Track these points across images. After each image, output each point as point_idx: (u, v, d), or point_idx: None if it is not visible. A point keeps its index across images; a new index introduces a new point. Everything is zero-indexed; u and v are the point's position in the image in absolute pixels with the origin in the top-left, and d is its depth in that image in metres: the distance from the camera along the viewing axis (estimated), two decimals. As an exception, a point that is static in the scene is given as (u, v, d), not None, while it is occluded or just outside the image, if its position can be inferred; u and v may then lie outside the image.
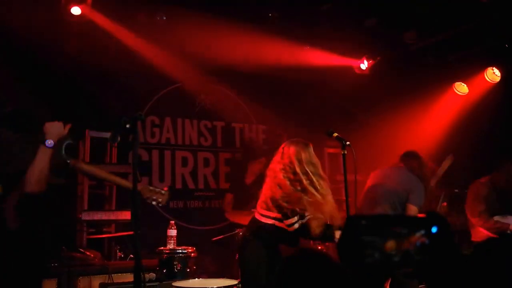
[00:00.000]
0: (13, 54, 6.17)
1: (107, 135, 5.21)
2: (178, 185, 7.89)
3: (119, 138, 3.71)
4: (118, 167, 6.45)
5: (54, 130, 3.68)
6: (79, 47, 6.60)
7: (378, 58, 8.12)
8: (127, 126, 3.05)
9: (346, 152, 4.42)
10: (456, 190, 7.34)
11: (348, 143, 4.40)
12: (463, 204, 6.22)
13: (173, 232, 5.17)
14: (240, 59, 7.75)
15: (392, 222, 1.64)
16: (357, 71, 8.36)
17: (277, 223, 4.23)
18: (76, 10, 6.10)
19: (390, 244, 1.54)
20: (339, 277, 2.12)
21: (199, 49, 7.44)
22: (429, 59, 8.05)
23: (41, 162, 3.58)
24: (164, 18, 6.58)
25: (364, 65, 8.26)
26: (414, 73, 8.20)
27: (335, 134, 4.49)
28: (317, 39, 7.72)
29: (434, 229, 1.60)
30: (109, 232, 6.37)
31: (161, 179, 7.80)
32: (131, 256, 5.67)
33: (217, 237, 6.38)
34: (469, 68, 8.29)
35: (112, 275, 5.10)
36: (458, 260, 1.74)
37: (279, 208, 4.14)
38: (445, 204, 7.23)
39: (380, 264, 1.55)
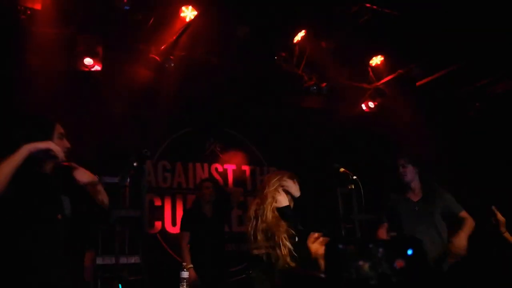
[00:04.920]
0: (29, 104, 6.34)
1: (118, 179, 5.28)
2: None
3: (128, 179, 3.80)
4: (131, 212, 6.51)
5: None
6: (91, 94, 6.72)
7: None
8: (135, 164, 3.13)
9: (354, 187, 4.46)
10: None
11: (354, 177, 4.44)
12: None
13: (185, 274, 5.17)
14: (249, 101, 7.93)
15: (369, 245, 1.69)
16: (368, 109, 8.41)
17: None
18: (88, 61, 6.25)
19: (366, 267, 1.58)
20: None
21: (207, 93, 7.60)
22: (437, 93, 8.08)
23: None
24: (172, 64, 6.69)
25: (371, 103, 8.31)
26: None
27: (342, 169, 4.53)
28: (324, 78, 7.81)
29: (409, 252, 1.65)
30: (123, 277, 6.37)
31: (174, 223, 7.85)
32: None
33: (232, 279, 6.40)
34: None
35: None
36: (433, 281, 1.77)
37: None
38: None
39: (358, 286, 1.59)
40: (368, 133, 8.58)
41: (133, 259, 6.23)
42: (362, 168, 5.09)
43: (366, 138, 8.65)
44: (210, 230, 6.52)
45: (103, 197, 3.78)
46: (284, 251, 4.17)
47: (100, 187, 3.80)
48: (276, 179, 4.39)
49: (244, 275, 6.05)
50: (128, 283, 6.27)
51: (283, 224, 4.24)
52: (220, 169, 8.60)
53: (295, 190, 4.37)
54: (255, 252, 4.27)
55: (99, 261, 5.93)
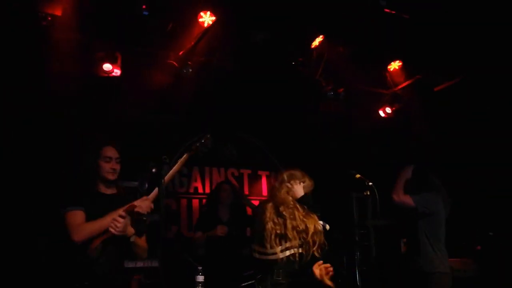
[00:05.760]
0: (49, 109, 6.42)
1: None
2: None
3: (147, 185, 3.85)
4: (149, 216, 6.55)
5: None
6: (110, 99, 6.78)
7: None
8: (153, 170, 3.17)
9: (369, 193, 4.46)
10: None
11: (370, 183, 4.44)
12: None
13: (200, 278, 5.19)
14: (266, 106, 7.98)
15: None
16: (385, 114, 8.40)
17: None
18: (107, 66, 6.30)
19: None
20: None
21: (224, 98, 7.66)
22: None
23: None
24: (190, 70, 6.71)
25: (389, 109, 8.29)
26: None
27: (358, 175, 4.54)
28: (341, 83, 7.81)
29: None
30: (139, 280, 6.42)
31: (190, 228, 7.88)
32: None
33: (246, 283, 6.38)
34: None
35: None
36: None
37: None
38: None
39: None
40: (385, 138, 8.55)
41: (151, 263, 6.30)
42: (377, 174, 5.08)
43: (383, 144, 8.63)
44: (227, 234, 6.53)
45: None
46: (315, 244, 4.20)
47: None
48: (284, 178, 4.45)
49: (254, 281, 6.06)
50: (145, 286, 6.33)
51: (313, 216, 4.28)
52: (236, 173, 8.62)
53: (298, 193, 4.41)
54: (287, 253, 4.28)
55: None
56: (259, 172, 8.86)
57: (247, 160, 8.66)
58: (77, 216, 3.92)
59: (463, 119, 7.78)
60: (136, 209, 3.70)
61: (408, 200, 5.61)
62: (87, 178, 4.15)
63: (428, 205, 5.76)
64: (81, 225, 3.87)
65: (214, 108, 7.87)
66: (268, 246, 4.25)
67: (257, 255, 4.36)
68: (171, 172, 3.93)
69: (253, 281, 5.53)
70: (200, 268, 5.02)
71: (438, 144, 7.71)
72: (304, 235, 4.19)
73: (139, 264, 6.26)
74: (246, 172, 8.71)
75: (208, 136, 4.14)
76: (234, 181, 8.46)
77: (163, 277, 3.58)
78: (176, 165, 3.98)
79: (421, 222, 5.76)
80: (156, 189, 3.95)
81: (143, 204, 3.78)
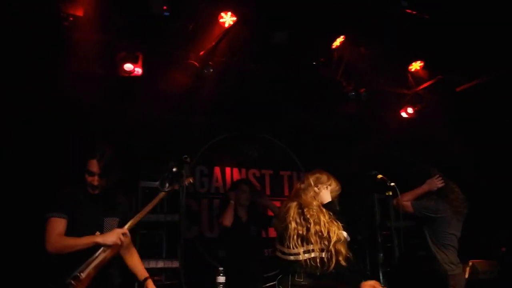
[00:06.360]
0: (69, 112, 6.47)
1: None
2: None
3: (167, 184, 3.86)
4: (169, 216, 6.61)
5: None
6: (131, 100, 6.80)
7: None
8: (174, 169, 3.18)
9: (391, 194, 4.42)
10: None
11: (392, 184, 4.40)
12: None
13: (221, 278, 5.18)
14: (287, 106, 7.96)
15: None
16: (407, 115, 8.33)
17: None
18: (128, 67, 6.32)
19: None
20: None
21: (245, 98, 7.68)
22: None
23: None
24: (211, 70, 6.71)
25: (411, 109, 8.22)
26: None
27: (379, 176, 4.50)
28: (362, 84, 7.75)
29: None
30: (159, 281, 6.43)
31: (211, 228, 7.88)
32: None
33: (267, 284, 6.36)
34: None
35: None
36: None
37: None
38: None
39: None
40: (407, 139, 8.48)
41: (171, 264, 6.32)
42: (399, 175, 5.03)
43: (405, 144, 8.56)
44: (246, 234, 6.53)
45: None
46: (340, 253, 4.15)
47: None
48: (311, 182, 4.41)
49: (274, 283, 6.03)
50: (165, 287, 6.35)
51: (337, 224, 4.23)
52: (258, 174, 8.61)
53: (325, 199, 4.38)
54: (308, 256, 4.24)
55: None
56: (281, 173, 8.84)
57: (269, 161, 8.65)
58: (57, 224, 3.96)
59: (486, 120, 7.71)
60: (99, 243, 3.88)
61: (406, 204, 5.68)
62: (75, 187, 4.14)
63: (428, 211, 5.93)
64: (58, 237, 3.91)
65: (235, 109, 7.88)
66: (291, 245, 4.21)
67: (280, 254, 4.33)
68: (144, 210, 4.12)
69: (274, 282, 5.52)
70: (221, 268, 5.02)
71: (460, 145, 7.64)
72: (326, 242, 4.15)
73: (160, 264, 6.28)
74: (267, 172, 8.69)
75: (191, 180, 4.13)
76: (255, 182, 8.43)
77: (184, 278, 3.59)
78: (150, 204, 4.11)
79: (425, 226, 6.00)
80: (133, 220, 4.13)
81: (107, 238, 3.92)
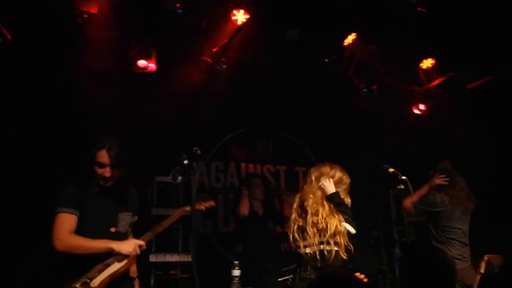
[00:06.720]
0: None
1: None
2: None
3: (180, 178, 3.91)
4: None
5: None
6: (145, 95, 6.87)
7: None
8: (185, 162, 3.21)
9: (403, 187, 4.43)
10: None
11: (404, 177, 4.41)
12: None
13: (236, 272, 5.21)
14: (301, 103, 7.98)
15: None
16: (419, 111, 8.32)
17: None
18: (142, 63, 6.38)
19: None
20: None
21: (258, 94, 7.71)
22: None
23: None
24: (224, 67, 6.76)
25: (422, 106, 8.21)
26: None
27: (391, 170, 4.51)
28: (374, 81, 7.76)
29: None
30: (175, 275, 6.50)
31: (226, 223, 7.94)
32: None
33: (283, 278, 6.39)
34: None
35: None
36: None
37: None
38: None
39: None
40: (419, 135, 8.48)
41: (187, 257, 6.38)
42: (412, 170, 5.04)
43: (417, 141, 8.55)
44: (263, 228, 6.56)
45: None
46: (339, 245, 4.17)
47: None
48: (313, 179, 4.44)
49: (290, 276, 6.06)
50: (180, 281, 6.41)
51: (337, 215, 4.24)
52: (272, 169, 8.65)
53: (329, 190, 4.39)
54: (307, 250, 4.26)
55: (152, 258, 6.12)
56: (296, 168, 8.87)
57: (284, 157, 8.69)
58: (67, 220, 3.75)
59: (498, 117, 7.68)
60: (114, 250, 3.76)
61: (408, 206, 5.73)
62: (85, 181, 3.91)
63: (427, 205, 6.03)
64: (68, 234, 3.72)
65: (248, 105, 7.92)
66: (296, 237, 4.26)
67: (293, 246, 4.38)
68: (163, 224, 4.12)
69: (291, 276, 5.58)
70: (236, 262, 5.06)
71: (472, 142, 7.62)
72: (324, 233, 4.17)
73: (175, 258, 6.34)
74: (282, 168, 8.73)
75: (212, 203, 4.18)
76: (270, 178, 8.47)
77: (197, 272, 3.62)
78: (170, 218, 4.16)
79: (429, 221, 6.13)
80: (151, 232, 4.09)
81: (123, 247, 3.83)
